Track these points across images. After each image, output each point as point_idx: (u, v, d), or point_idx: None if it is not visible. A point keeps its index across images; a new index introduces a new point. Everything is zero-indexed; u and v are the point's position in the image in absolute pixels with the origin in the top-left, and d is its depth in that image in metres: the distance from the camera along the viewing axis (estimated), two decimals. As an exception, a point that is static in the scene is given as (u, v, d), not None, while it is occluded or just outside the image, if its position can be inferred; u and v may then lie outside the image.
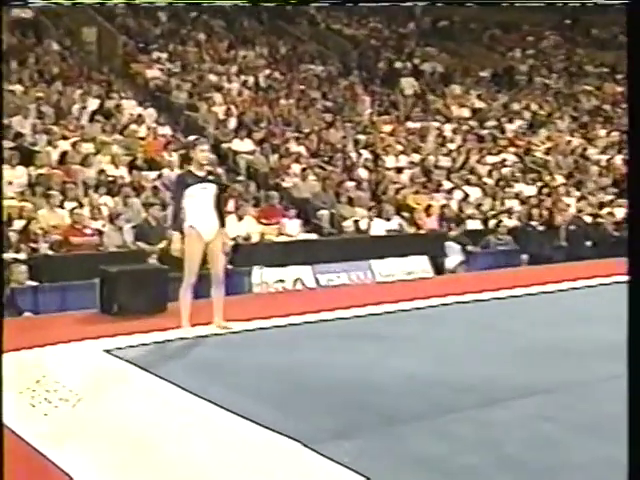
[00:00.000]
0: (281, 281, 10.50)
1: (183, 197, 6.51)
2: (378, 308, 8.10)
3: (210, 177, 6.63)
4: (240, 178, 13.84)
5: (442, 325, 7.39)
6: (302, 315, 7.62)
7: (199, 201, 6.52)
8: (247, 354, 6.08)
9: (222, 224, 6.74)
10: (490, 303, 8.41)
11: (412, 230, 13.21)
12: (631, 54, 2.41)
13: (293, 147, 15.36)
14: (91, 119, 14.46)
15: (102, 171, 12.38)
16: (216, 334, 6.72)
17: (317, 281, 10.87)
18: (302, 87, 18.43)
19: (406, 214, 13.57)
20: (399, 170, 15.38)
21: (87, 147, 13.22)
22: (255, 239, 11.55)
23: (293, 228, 12.33)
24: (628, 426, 2.46)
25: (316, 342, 6.54)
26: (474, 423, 4.46)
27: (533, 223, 13.69)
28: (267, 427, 4.33)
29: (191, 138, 6.96)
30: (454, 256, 12.24)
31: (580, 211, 14.60)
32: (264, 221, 12.23)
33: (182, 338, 6.55)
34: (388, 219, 13.00)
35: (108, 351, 6.01)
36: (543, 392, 4.99)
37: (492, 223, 13.87)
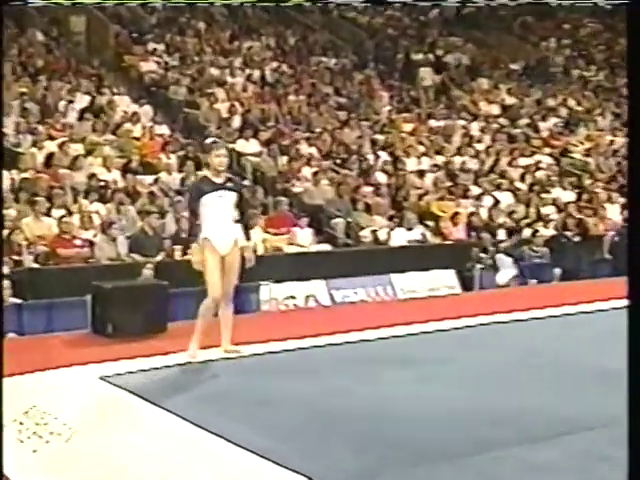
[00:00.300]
0: (292, 298, 10.54)
1: (199, 206, 6.54)
2: (402, 329, 8.04)
3: (229, 184, 6.64)
4: (246, 183, 13.84)
5: (476, 348, 7.30)
6: (317, 337, 7.58)
7: (215, 211, 6.55)
8: (258, 382, 6.01)
9: (247, 236, 6.78)
10: (528, 324, 8.34)
11: (437, 241, 13.23)
12: (631, 54, 2.52)
13: (304, 148, 15.40)
14: (80, 117, 14.53)
15: (93, 175, 12.42)
16: (224, 358, 6.69)
17: (332, 298, 10.90)
18: (313, 81, 18.49)
19: (430, 223, 13.62)
20: (421, 174, 15.40)
21: (76, 148, 13.28)
22: (262, 251, 11.60)
23: (304, 238, 12.34)
24: (628, 427, 2.49)
25: (334, 368, 6.49)
26: (517, 463, 4.36)
27: (568, 233, 13.59)
28: (280, 464, 4.26)
29: (208, 141, 6.94)
30: (506, 270, 12.18)
31: (626, 220, 14.52)
32: (272, 230, 12.25)
33: (186, 363, 6.52)
34: (410, 228, 13.01)
35: (104, 378, 5.95)
36: (596, 426, 4.88)
37: (526, 233, 13.82)
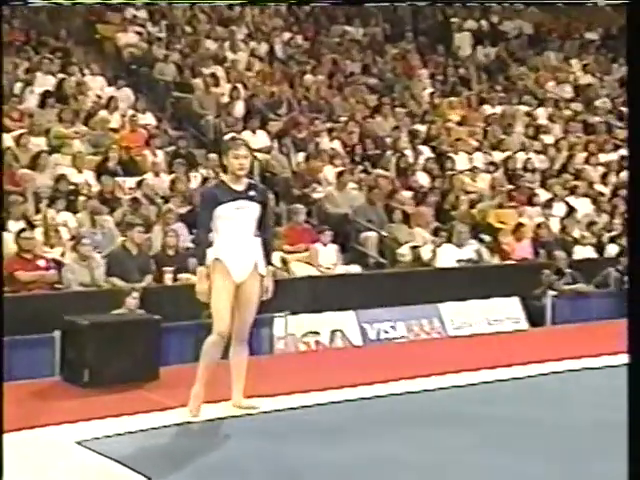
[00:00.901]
0: (313, 334, 10.53)
1: (211, 218, 6.53)
2: (455, 377, 8.00)
3: (251, 192, 6.62)
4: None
5: (553, 404, 7.19)
6: (347, 388, 7.54)
7: (232, 225, 6.52)
8: (278, 447, 5.93)
9: (267, 260, 6.75)
10: (622, 370, 8.18)
11: (495, 260, 13.16)
12: (631, 54, 2.95)
13: (325, 142, 15.38)
14: (42, 103, 14.55)
15: (60, 177, 12.39)
16: (235, 416, 6.62)
17: (364, 334, 10.89)
18: (335, 57, 18.51)
19: (486, 237, 13.56)
20: (474, 174, 15.35)
21: (38, 143, 13.29)
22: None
23: (327, 257, 12.29)
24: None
25: (371, 429, 6.42)
26: None
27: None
28: None
29: (229, 138, 6.91)
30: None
31: None
32: (287, 247, 12.19)
33: (186, 423, 6.44)
34: (461, 244, 12.94)
35: (81, 443, 5.86)
36: None
37: (611, 250, 13.70)
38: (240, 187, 6.59)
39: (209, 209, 6.55)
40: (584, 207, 14.88)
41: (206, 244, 6.59)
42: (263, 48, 18.26)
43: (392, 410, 7.02)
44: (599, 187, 15.66)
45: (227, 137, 7.08)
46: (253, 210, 6.58)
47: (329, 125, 15.97)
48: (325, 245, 12.36)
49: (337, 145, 15.45)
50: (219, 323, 6.52)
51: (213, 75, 16.51)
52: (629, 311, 3.21)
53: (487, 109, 17.84)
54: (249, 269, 6.59)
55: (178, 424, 6.43)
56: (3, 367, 5.05)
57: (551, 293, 12.07)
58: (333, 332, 10.68)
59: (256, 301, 6.69)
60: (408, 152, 15.64)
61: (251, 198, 6.58)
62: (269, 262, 6.79)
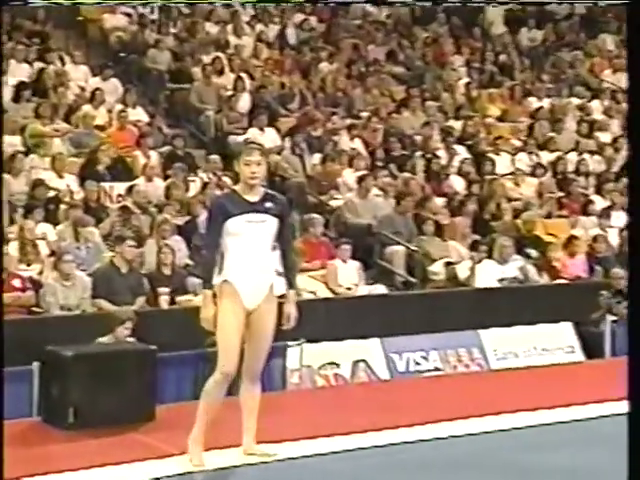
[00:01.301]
0: (333, 366, 10.46)
1: (221, 233, 6.52)
2: (500, 420, 7.97)
3: (268, 204, 6.60)
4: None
5: (616, 453, 7.11)
6: (375, 432, 7.51)
7: (244, 242, 6.51)
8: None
9: (290, 283, 6.74)
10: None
11: (544, 279, 13.09)
12: (631, 54, 3.31)
13: (344, 141, 15.34)
14: (17, 97, 14.57)
15: (38, 182, 12.41)
16: (246, 464, 6.58)
17: (391, 365, 10.83)
18: (355, 42, 18.49)
19: (533, 252, 13.48)
20: (518, 178, 15.25)
21: (12, 142, 13.28)
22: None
23: (348, 275, 12.26)
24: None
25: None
26: None
27: None
28: None
29: (240, 139, 6.90)
30: None
31: None
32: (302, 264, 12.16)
33: (188, 473, 6.39)
34: (504, 261, 12.86)
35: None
36: None
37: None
38: (254, 198, 6.56)
39: (217, 223, 6.54)
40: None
41: (212, 264, 6.56)
42: (272, 32, 18.28)
43: (425, 458, 6.99)
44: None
45: (239, 139, 7.03)
46: (269, 225, 6.55)
47: (348, 121, 15.95)
48: (345, 261, 12.32)
49: (358, 145, 15.43)
50: (225, 361, 6.49)
51: (214, 63, 16.51)
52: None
53: (532, 102, 17.80)
54: (263, 293, 6.56)
55: (180, 474, 6.39)
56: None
57: (610, 318, 11.97)
58: (355, 363, 10.62)
59: (271, 332, 6.66)
60: (441, 153, 15.60)
61: (267, 211, 6.55)
62: (292, 285, 6.76)
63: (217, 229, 6.54)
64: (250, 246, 6.50)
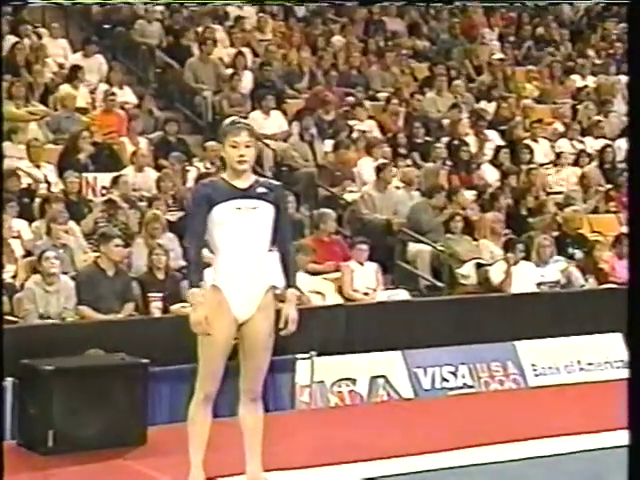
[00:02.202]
0: (348, 381, 10.42)
1: (207, 226, 6.45)
2: (541, 445, 7.92)
3: (260, 190, 6.56)
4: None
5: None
6: (397, 458, 7.48)
7: (233, 234, 6.42)
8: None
9: (289, 281, 6.62)
10: None
11: (590, 283, 13.06)
12: (631, 54, 3.55)
13: (360, 126, 15.32)
14: (-13, 74, 14.63)
15: (11, 172, 12.34)
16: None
17: (415, 382, 10.80)
18: (372, 14, 18.48)
19: (578, 252, 13.44)
20: (560, 168, 15.27)
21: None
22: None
23: (365, 278, 12.23)
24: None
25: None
26: None
27: None
28: None
29: (227, 121, 6.80)
30: None
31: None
32: (311, 266, 12.14)
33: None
34: (543, 262, 12.85)
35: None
36: None
37: None
38: (244, 184, 6.48)
39: (201, 213, 6.43)
40: None
41: (197, 262, 6.49)
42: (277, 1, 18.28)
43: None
44: None
45: (227, 120, 6.95)
46: (263, 212, 6.44)
47: (366, 103, 15.95)
48: (361, 264, 12.28)
49: (376, 129, 15.43)
50: (206, 380, 6.50)
51: (211, 37, 16.50)
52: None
53: (575, 81, 17.80)
54: (257, 300, 6.46)
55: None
56: None
57: (666, 328, 11.94)
58: (373, 379, 10.56)
59: (269, 343, 6.57)
60: (470, 139, 15.59)
61: (260, 196, 6.46)
62: (291, 284, 6.64)
63: (201, 220, 6.42)
64: (241, 239, 6.37)
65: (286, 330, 6.58)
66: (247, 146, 6.45)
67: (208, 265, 6.64)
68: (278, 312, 6.57)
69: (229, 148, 6.47)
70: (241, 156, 6.43)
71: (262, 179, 6.71)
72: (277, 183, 6.81)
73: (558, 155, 15.73)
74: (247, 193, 6.44)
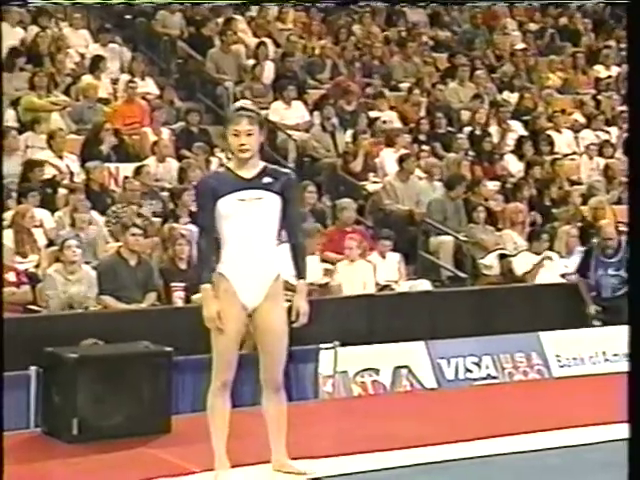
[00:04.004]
0: (371, 372, 10.42)
1: (213, 217, 6.43)
2: (565, 435, 7.92)
3: (266, 179, 6.50)
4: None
5: None
6: (419, 448, 7.47)
7: (238, 226, 6.42)
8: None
9: (299, 272, 6.61)
10: None
11: (614, 274, 12.99)
12: (631, 54, 3.65)
13: (382, 116, 15.32)
14: (9, 65, 14.58)
15: (34, 163, 12.44)
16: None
17: (438, 372, 10.80)
18: (393, 4, 18.45)
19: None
20: (583, 159, 15.25)
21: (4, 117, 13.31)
22: (319, 289, 11.49)
23: (388, 269, 12.25)
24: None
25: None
26: None
27: None
28: None
29: (231, 109, 6.78)
30: None
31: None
32: (333, 255, 12.14)
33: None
34: (567, 253, 12.84)
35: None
36: None
37: None
38: (249, 173, 6.46)
39: (207, 206, 6.44)
40: None
41: (208, 257, 6.49)
42: (298, -14, 18.30)
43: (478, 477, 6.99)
44: None
45: (236, 105, 6.93)
46: (268, 203, 6.42)
47: (387, 92, 15.96)
48: (384, 253, 12.28)
49: (396, 119, 15.44)
50: (221, 368, 6.48)
51: (232, 26, 16.55)
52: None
53: (599, 71, 17.71)
54: (265, 288, 6.46)
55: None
56: None
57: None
58: (397, 370, 10.56)
59: (282, 332, 6.56)
60: (493, 129, 15.57)
61: (265, 187, 6.43)
62: (301, 275, 6.62)
63: (208, 213, 6.43)
64: (246, 230, 6.38)
65: (298, 321, 6.56)
66: (249, 134, 6.42)
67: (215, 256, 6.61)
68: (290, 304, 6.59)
69: (231, 137, 6.47)
70: (242, 145, 6.42)
71: (270, 166, 6.66)
72: (285, 171, 6.76)
73: (581, 146, 15.71)
74: (252, 184, 6.44)
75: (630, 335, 3.55)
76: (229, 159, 13.21)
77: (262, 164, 6.56)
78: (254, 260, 6.41)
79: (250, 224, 6.39)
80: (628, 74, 3.64)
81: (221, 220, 6.41)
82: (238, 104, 6.93)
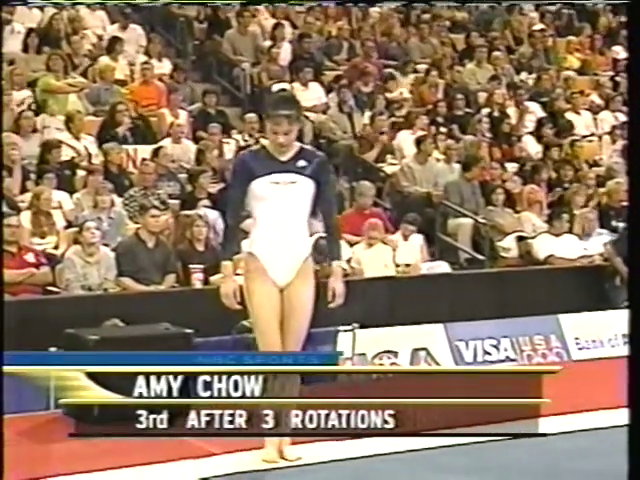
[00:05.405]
0: (390, 354, 10.42)
1: (246, 197, 6.51)
2: (583, 418, 8.01)
3: (300, 163, 6.55)
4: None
5: None
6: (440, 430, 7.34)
7: (272, 208, 6.50)
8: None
9: (332, 254, 6.69)
10: None
11: (634, 256, 12.95)
12: (631, 53, 3.92)
13: (399, 97, 15.25)
14: (26, 46, 14.60)
15: (51, 144, 12.38)
16: (287, 466, 6.63)
17: (457, 355, 10.79)
18: (411, -16, 18.45)
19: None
20: (602, 140, 15.21)
21: (20, 98, 13.31)
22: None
23: (408, 251, 12.19)
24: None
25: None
26: None
27: None
28: None
29: (274, 98, 6.81)
30: None
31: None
32: (352, 238, 12.13)
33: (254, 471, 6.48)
34: (586, 234, 12.81)
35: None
36: None
37: None
38: (284, 156, 6.53)
39: (241, 185, 6.54)
40: None
41: (234, 234, 6.61)
42: (316, -29, 18.21)
43: (493, 460, 7.05)
44: None
45: (274, 95, 6.96)
46: (301, 187, 6.51)
47: (405, 75, 15.89)
48: (403, 235, 12.23)
49: (414, 101, 15.37)
50: (266, 342, 6.51)
51: (249, 9, 16.39)
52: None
53: (618, 52, 17.56)
54: (295, 267, 6.54)
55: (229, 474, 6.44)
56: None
57: None
58: (415, 352, 10.55)
59: (307, 310, 6.62)
60: (511, 111, 15.48)
61: (299, 170, 6.51)
62: (334, 256, 6.71)
63: (241, 192, 6.54)
64: (278, 212, 6.47)
65: (334, 302, 6.62)
66: (286, 134, 6.51)
67: (245, 237, 6.70)
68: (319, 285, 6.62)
69: (270, 133, 6.56)
70: (280, 144, 6.52)
71: (306, 148, 6.77)
72: (320, 154, 6.83)
73: (600, 127, 15.63)
74: (286, 167, 6.53)
75: (630, 319, 3.52)
76: (246, 140, 13.39)
77: (297, 145, 6.67)
78: (285, 241, 6.52)
79: (283, 207, 6.50)
80: (628, 74, 3.62)
81: (254, 201, 6.52)
82: (278, 88, 6.98)
